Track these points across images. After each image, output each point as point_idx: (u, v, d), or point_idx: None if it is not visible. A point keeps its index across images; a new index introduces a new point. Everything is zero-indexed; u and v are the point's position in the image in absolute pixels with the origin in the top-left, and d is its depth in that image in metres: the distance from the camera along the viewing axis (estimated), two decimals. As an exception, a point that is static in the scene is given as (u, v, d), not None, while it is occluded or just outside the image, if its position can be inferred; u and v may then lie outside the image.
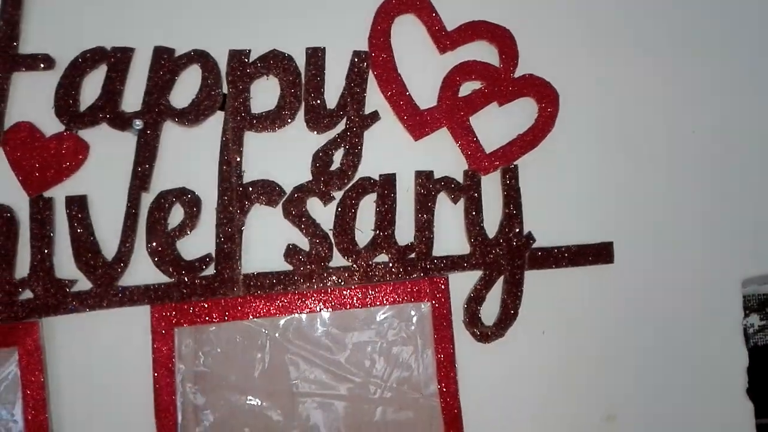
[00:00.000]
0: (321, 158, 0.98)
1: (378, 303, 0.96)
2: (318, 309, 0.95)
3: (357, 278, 0.96)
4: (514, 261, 0.99)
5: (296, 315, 0.96)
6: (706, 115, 1.08)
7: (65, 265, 0.92)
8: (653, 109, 1.06)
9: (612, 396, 1.04)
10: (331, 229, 0.97)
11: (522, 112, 1.02)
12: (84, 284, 0.92)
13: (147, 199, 0.94)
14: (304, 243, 0.96)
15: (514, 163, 1.00)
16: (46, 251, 0.91)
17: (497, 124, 1.02)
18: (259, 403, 0.95)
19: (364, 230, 0.98)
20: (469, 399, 0.98)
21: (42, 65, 0.93)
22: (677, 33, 1.08)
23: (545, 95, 1.01)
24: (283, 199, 0.96)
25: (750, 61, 1.09)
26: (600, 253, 1.02)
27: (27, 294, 0.91)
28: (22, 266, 0.91)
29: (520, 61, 1.02)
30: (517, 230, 0.99)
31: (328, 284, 0.96)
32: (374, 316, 0.97)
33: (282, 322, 0.96)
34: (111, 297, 0.91)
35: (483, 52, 1.02)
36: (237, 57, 0.97)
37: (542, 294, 1.01)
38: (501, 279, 0.99)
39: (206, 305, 0.93)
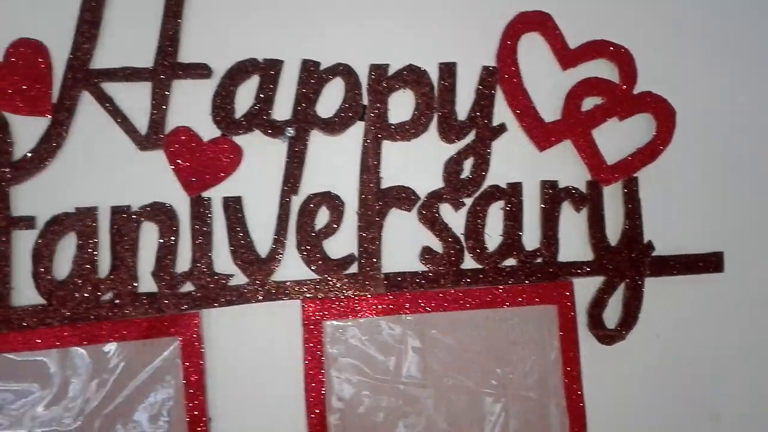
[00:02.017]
0: (452, 166, 1.04)
1: (506, 304, 1.02)
2: (450, 308, 1.02)
3: (487, 280, 1.03)
4: (636, 268, 1.05)
5: (430, 313, 1.02)
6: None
7: (221, 260, 0.99)
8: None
9: (718, 397, 1.10)
10: (462, 233, 1.04)
11: (638, 127, 1.08)
12: (239, 279, 0.99)
13: (296, 202, 1.01)
14: (437, 246, 1.03)
15: (634, 174, 1.07)
16: (206, 247, 0.98)
17: (614, 137, 1.08)
18: (392, 394, 1.01)
19: (493, 235, 1.04)
20: (588, 398, 1.04)
21: (200, 74, 1.01)
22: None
23: (663, 111, 1.07)
24: (418, 204, 1.03)
25: None
26: (711, 262, 1.08)
27: (187, 287, 0.98)
28: (181, 261, 0.99)
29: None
30: (638, 239, 1.05)
31: (460, 285, 1.02)
32: (503, 317, 1.03)
33: (417, 318, 1.02)
34: (265, 291, 0.98)
35: (603, 69, 1.08)
36: (377, 71, 1.03)
37: (657, 300, 1.06)
38: (622, 285, 1.05)
39: (350, 301, 1.00)
